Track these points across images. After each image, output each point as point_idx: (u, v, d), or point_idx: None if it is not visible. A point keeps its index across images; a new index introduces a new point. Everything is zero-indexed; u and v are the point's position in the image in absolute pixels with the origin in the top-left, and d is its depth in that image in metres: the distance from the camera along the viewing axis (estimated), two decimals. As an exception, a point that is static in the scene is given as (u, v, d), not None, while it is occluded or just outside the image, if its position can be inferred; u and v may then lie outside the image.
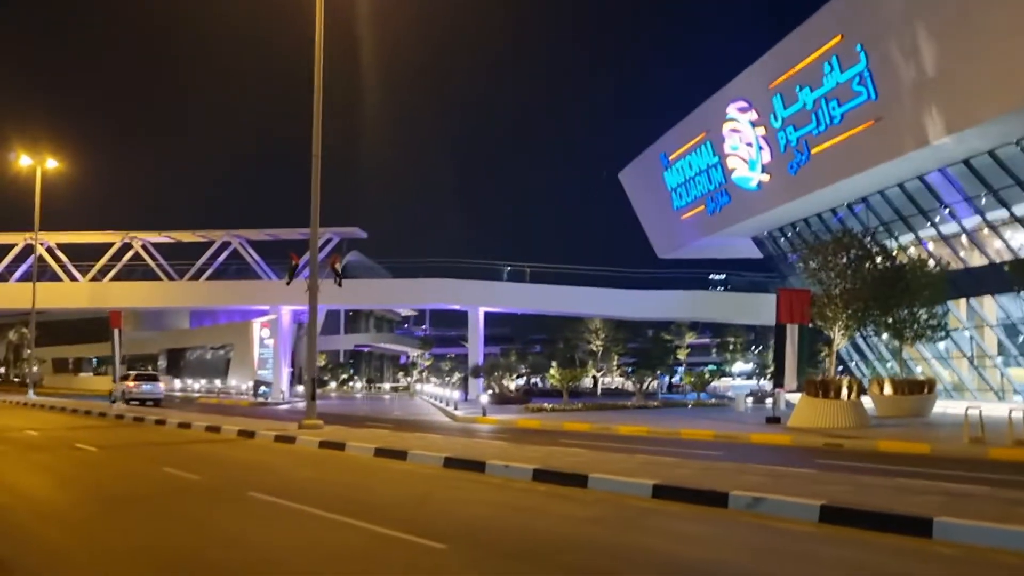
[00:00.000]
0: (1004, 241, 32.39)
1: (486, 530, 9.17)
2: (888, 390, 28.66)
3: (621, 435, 23.87)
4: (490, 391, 50.16)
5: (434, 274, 54.40)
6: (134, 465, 16.03)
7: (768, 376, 60.23)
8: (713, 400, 45.21)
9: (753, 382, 61.51)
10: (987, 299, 34.78)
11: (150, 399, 41.00)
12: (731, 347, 70.58)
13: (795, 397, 37.61)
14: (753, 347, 73.29)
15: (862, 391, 25.72)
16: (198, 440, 21.36)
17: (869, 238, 26.51)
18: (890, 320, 25.36)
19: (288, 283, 27.38)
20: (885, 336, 32.16)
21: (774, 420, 25.76)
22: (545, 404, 37.20)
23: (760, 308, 56.40)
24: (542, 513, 10.28)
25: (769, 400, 43.64)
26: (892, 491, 10.56)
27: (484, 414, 31.12)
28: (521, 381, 60.85)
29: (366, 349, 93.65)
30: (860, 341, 40.35)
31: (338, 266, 24.06)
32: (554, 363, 55.94)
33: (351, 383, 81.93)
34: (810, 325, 27.15)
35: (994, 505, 9.41)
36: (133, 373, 43.71)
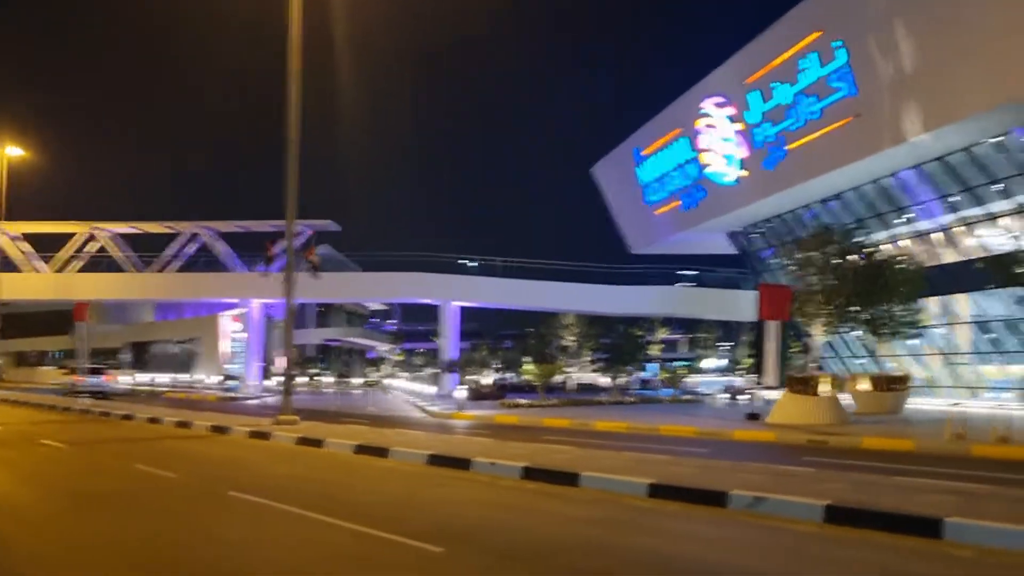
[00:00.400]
0: (978, 238, 32.62)
1: (482, 531, 8.80)
2: (865, 386, 28.63)
3: (601, 431, 23.58)
4: (463, 386, 49.74)
5: (406, 268, 53.79)
6: (104, 461, 15.43)
7: (740, 372, 60.54)
8: (688, 396, 45.11)
9: (725, 378, 61.61)
10: (960, 296, 35.04)
11: (97, 391, 42.64)
12: (702, 343, 70.80)
13: (771, 393, 37.69)
14: (724, 343, 73.56)
15: (840, 388, 25.65)
16: (169, 436, 20.74)
17: (851, 233, 26.39)
18: (868, 316, 25.27)
19: (264, 274, 26.72)
20: (858, 333, 32.18)
21: (754, 417, 25.62)
22: (521, 400, 36.87)
23: (734, 304, 56.66)
24: (537, 513, 9.92)
25: (744, 396, 43.76)
26: (893, 490, 10.33)
27: (461, 410, 30.72)
28: (494, 377, 60.41)
29: (336, 343, 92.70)
30: (833, 338, 40.47)
31: (314, 258, 23.51)
32: (526, 359, 55.78)
33: (321, 377, 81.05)
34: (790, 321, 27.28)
35: (1002, 505, 9.21)
36: (77, 367, 45.03)
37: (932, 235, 35.14)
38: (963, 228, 33.61)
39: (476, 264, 57.03)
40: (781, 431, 21.70)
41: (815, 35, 33.53)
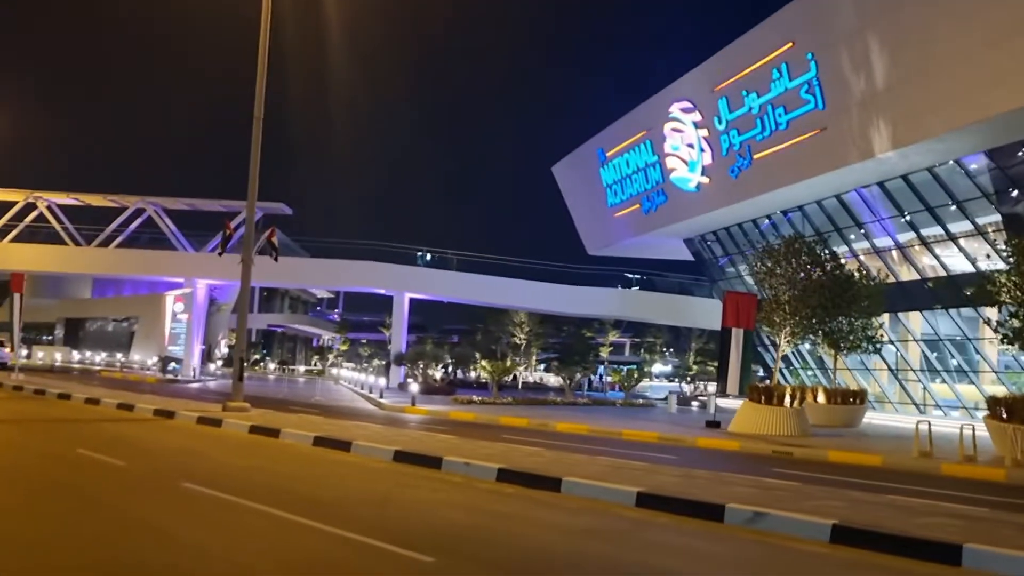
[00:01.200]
0: (936, 257, 32.93)
1: (472, 540, 8.15)
2: (821, 399, 28.67)
3: (562, 433, 23.06)
4: (411, 380, 48.91)
5: (354, 257, 52.71)
6: (42, 446, 14.35)
7: (688, 379, 60.77)
8: (640, 401, 44.98)
9: (673, 383, 61.81)
10: (913, 314, 35.42)
11: None
12: (649, 348, 70.92)
13: (725, 402, 37.66)
14: (671, 349, 73.87)
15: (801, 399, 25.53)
16: (110, 418, 19.63)
17: (820, 245, 26.31)
18: (828, 329, 25.21)
19: (221, 253, 25.61)
20: (809, 346, 32.29)
21: (714, 424, 25.38)
22: (474, 396, 36.23)
23: (686, 310, 56.87)
24: (526, 521, 9.30)
25: (695, 403, 43.77)
26: (890, 510, 9.97)
27: (413, 404, 29.95)
28: (442, 372, 59.67)
29: (280, 330, 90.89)
30: (792, 348, 40.64)
31: (275, 239, 22.52)
32: (477, 355, 55.16)
33: (263, 364, 79.29)
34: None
35: (1012, 530, 8.87)
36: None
37: (890, 252, 35.43)
38: (920, 247, 33.93)
39: (428, 256, 56.25)
40: (744, 440, 21.44)
41: (787, 46, 33.47)
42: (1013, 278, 19.38)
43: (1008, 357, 32.77)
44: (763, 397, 24.01)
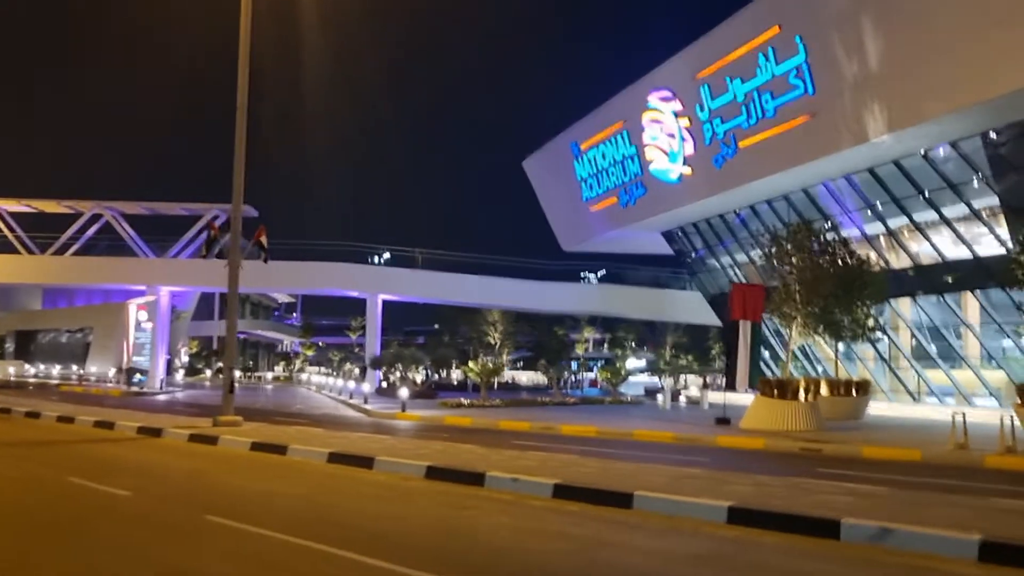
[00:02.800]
0: (930, 242, 32.44)
1: (580, 578, 6.93)
2: (824, 391, 27.90)
3: (570, 436, 21.96)
4: (388, 383, 47.44)
5: (321, 258, 51.09)
6: (25, 474, 12.76)
7: (666, 374, 60.01)
8: (628, 397, 44.07)
9: (653, 379, 61.09)
10: (903, 300, 34.94)
11: None
12: (623, 343, 70.06)
13: (716, 396, 36.87)
14: (645, 344, 73.10)
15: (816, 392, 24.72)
16: (91, 439, 18.01)
17: (832, 232, 25.53)
18: (841, 319, 24.38)
19: (205, 256, 23.89)
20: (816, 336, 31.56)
21: (724, 421, 24.43)
22: (461, 399, 34.95)
23: (665, 304, 56.19)
24: (619, 548, 8.10)
25: (682, 398, 42.96)
26: (1004, 514, 8.97)
27: (404, 409, 28.60)
28: (421, 375, 58.14)
29: (242, 336, 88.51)
30: (775, 340, 40.03)
31: (264, 239, 20.96)
32: (444, 355, 53.82)
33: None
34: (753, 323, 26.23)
35: None
36: None
37: (879, 238, 34.89)
38: (912, 233, 33.44)
39: (389, 256, 54.80)
40: (764, 437, 20.50)
41: (773, 31, 32.68)
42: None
43: (1001, 342, 32.47)
44: (776, 391, 23.13)
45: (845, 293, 23.17)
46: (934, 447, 18.09)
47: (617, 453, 16.38)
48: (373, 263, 52.94)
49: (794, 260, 23.42)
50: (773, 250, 24.36)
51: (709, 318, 50.10)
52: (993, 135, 28.18)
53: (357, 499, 10.87)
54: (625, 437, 21.77)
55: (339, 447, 14.89)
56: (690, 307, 52.06)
